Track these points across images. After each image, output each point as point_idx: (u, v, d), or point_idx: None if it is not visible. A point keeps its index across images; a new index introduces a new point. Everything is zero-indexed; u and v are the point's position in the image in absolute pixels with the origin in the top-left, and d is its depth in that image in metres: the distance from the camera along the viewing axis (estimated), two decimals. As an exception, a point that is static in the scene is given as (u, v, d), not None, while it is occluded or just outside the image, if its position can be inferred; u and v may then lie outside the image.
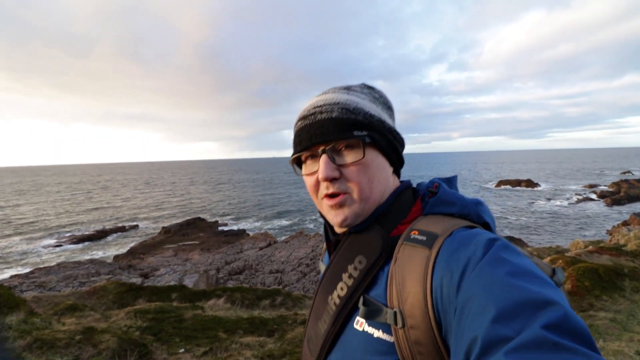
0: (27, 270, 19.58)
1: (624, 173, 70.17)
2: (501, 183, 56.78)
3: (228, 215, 39.16)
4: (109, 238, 31.14)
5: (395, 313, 0.48)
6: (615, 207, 35.77)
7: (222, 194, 62.51)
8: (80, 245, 28.67)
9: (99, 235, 31.23)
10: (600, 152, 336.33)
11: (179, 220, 33.44)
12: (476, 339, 0.35)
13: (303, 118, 0.63)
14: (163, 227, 30.12)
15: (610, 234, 24.56)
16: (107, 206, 48.25)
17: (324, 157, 0.59)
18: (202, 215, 35.32)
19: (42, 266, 20.66)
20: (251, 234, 28.99)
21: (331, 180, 0.59)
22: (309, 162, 0.64)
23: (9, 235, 31.47)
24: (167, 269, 12.27)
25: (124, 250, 25.24)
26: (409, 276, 0.49)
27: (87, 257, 24.51)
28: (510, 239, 23.12)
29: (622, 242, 9.52)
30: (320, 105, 0.61)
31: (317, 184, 0.62)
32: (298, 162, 0.68)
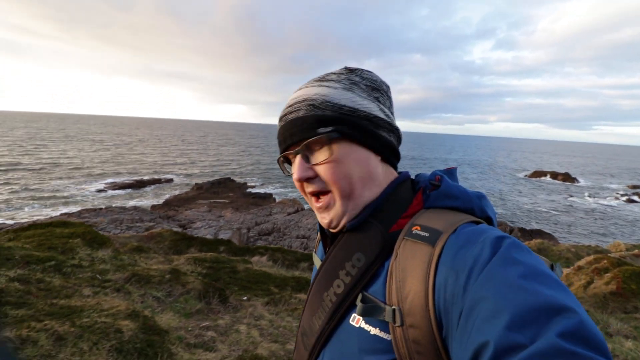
0: (77, 209, 21.64)
1: (679, 176, 64.37)
2: (536, 174, 54.10)
3: (255, 177, 40.42)
4: (147, 188, 33.06)
5: (394, 311, 0.47)
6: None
7: (251, 157, 64.18)
8: (121, 192, 30.75)
9: (138, 185, 33.27)
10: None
11: (211, 179, 35.10)
12: (487, 344, 0.34)
13: (280, 120, 0.62)
14: (196, 184, 31.76)
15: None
16: (145, 159, 51.04)
17: (297, 158, 0.59)
18: (231, 176, 36.66)
19: (90, 207, 22.81)
20: (277, 198, 30.09)
21: (306, 180, 0.58)
22: (293, 161, 0.62)
23: (60, 178, 34.22)
24: (203, 223, 13.16)
25: (159, 201, 26.99)
26: (410, 274, 0.48)
27: (129, 204, 26.63)
28: (539, 232, 22.45)
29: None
30: (291, 105, 0.60)
31: (302, 184, 0.61)
32: (288, 161, 0.65)
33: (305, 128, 0.56)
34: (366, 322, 0.51)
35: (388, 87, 0.66)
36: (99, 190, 30.58)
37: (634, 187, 45.79)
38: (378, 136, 0.59)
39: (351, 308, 0.54)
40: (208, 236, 11.82)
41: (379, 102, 0.62)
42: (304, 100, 0.58)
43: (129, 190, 31.59)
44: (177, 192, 30.44)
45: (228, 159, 57.61)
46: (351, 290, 0.54)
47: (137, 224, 12.27)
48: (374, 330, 0.49)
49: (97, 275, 3.15)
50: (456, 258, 0.44)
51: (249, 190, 32.61)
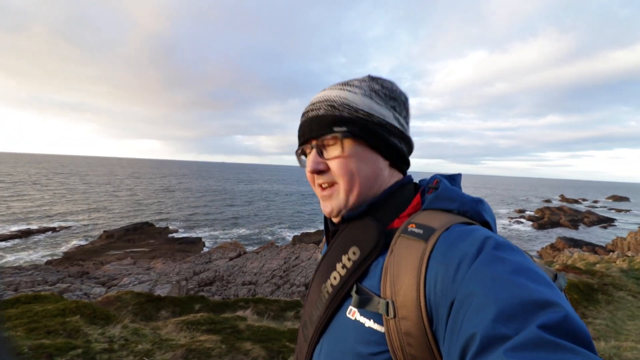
0: None
1: (546, 201, 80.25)
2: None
3: (179, 221, 36.64)
4: (36, 238, 27.21)
5: (387, 303, 0.49)
6: (541, 231, 40.66)
7: (172, 198, 58.45)
8: (3, 244, 24.65)
9: (22, 236, 27.18)
10: (524, 181, 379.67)
11: (122, 224, 30.58)
12: (474, 335, 0.36)
13: (302, 115, 0.69)
14: (105, 231, 27.32)
15: (540, 255, 27.96)
16: (31, 203, 42.08)
17: (312, 152, 0.65)
18: (149, 221, 32.65)
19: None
20: (207, 242, 27.55)
21: (318, 172, 0.64)
22: (308, 155, 0.68)
23: None
24: (131, 279, 11.17)
25: (56, 255, 22.35)
26: (404, 268, 0.50)
27: (7, 259, 21.27)
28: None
29: (569, 262, 10.94)
30: (313, 104, 0.66)
31: (313, 175, 0.66)
32: (304, 153, 0.71)
33: (323, 125, 0.62)
34: (361, 314, 0.53)
35: (407, 98, 0.70)
36: (-33, 247, 23.96)
37: (520, 211, 55.26)
38: (388, 142, 0.64)
39: (346, 299, 0.56)
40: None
41: (395, 111, 0.66)
42: (325, 100, 0.64)
43: (15, 242, 25.52)
44: (80, 243, 25.68)
45: (143, 201, 51.18)
46: (346, 282, 0.57)
47: (39, 287, 9.74)
48: (368, 323, 0.51)
49: (145, 359, 2.59)
50: (446, 254, 0.46)
51: (172, 235, 29.31)
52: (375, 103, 0.64)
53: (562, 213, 50.38)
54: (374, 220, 0.60)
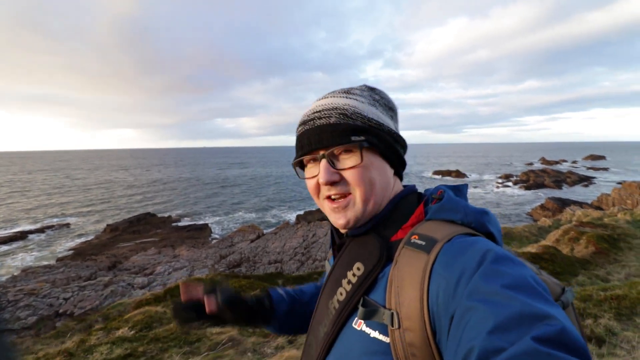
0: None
1: (528, 164, 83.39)
2: (436, 173, 63.13)
3: (177, 209, 36.49)
4: (35, 239, 26.75)
5: (392, 314, 0.50)
6: (528, 192, 42.64)
7: (164, 186, 57.66)
8: (2, 248, 24.19)
9: (22, 236, 26.66)
10: (505, 146, 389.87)
11: (123, 217, 30.37)
12: (472, 349, 0.37)
13: (303, 123, 0.66)
14: (108, 225, 27.15)
15: (531, 215, 29.63)
16: (18, 204, 40.78)
17: (323, 162, 0.62)
18: (150, 211, 32.44)
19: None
20: (215, 228, 27.83)
21: (332, 183, 0.62)
22: (310, 165, 0.67)
23: None
24: (165, 267, 11.53)
25: (61, 252, 22.23)
26: (408, 280, 0.51)
27: (20, 261, 21.08)
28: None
29: (573, 219, 11.94)
30: (319, 111, 0.64)
31: (318, 186, 0.65)
32: (301, 164, 0.70)
33: (338, 135, 0.61)
34: (367, 325, 0.54)
35: (397, 108, 0.74)
36: (-33, 252, 23.42)
37: (506, 176, 57.37)
38: (396, 150, 0.67)
39: (353, 313, 0.58)
40: (183, 279, 10.41)
41: (393, 120, 0.70)
42: (335, 108, 0.63)
43: (13, 245, 24.99)
44: (84, 239, 25.48)
45: (135, 192, 50.43)
46: (352, 297, 0.58)
47: (88, 282, 9.98)
48: (373, 333, 0.53)
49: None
50: (448, 266, 0.48)
51: (177, 223, 29.37)
52: (380, 112, 0.66)
53: (546, 175, 52.60)
54: (377, 236, 0.62)
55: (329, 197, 0.64)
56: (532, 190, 43.75)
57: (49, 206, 39.11)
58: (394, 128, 0.68)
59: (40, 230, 28.28)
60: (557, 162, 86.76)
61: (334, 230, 0.72)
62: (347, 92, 0.67)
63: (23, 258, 21.86)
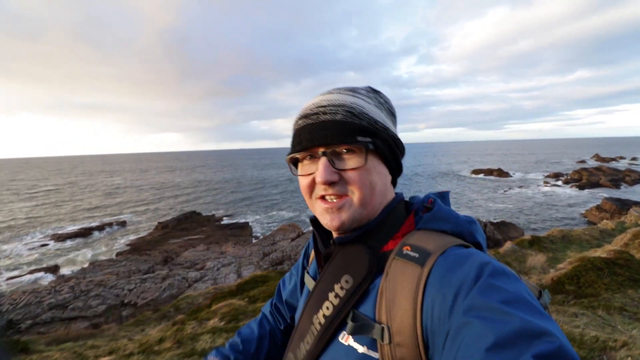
0: (28, 269, 18.46)
1: (580, 162, 77.13)
2: (475, 172, 60.41)
3: (219, 209, 38.43)
4: (98, 235, 29.51)
5: (382, 329, 0.48)
6: (581, 192, 39.55)
7: (206, 187, 60.88)
8: (70, 243, 26.93)
9: (85, 233, 29.47)
10: (553, 143, 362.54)
11: (171, 215, 32.61)
12: None
13: (305, 117, 0.62)
14: (159, 223, 29.31)
15: (586, 216, 27.49)
16: (80, 203, 45.14)
17: (323, 160, 0.59)
18: (195, 210, 34.47)
19: (48, 265, 19.56)
20: (254, 227, 29.01)
21: (330, 184, 0.58)
22: (306, 162, 0.63)
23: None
24: (214, 262, 12.34)
25: (120, 247, 24.32)
26: (400, 293, 0.49)
27: (85, 255, 23.41)
28: (500, 224, 25.03)
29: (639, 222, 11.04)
30: (324, 106, 0.60)
31: (313, 185, 0.61)
32: (295, 160, 0.65)
33: (345, 133, 0.58)
34: (355, 340, 0.52)
35: (396, 114, 0.71)
36: (43, 245, 26.40)
37: (556, 175, 53.59)
38: (397, 156, 0.64)
39: (340, 328, 0.55)
40: (231, 275, 11.12)
41: (394, 125, 0.68)
42: (342, 105, 0.59)
43: (77, 240, 27.72)
44: (138, 235, 27.68)
45: (182, 193, 53.81)
46: (340, 311, 0.56)
47: (148, 276, 11.01)
48: (361, 349, 0.51)
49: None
50: (443, 280, 0.46)
51: (220, 222, 30.96)
52: (385, 116, 0.64)
53: (601, 173, 48.43)
54: (366, 247, 0.59)
55: (322, 197, 0.60)
56: (586, 190, 40.54)
57: (107, 205, 42.94)
58: (395, 133, 0.66)
59: (101, 228, 31.06)
60: (613, 159, 79.31)
61: (319, 237, 0.69)
62: (354, 90, 0.64)
63: (86, 253, 24.27)
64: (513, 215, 30.37)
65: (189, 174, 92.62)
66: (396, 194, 0.68)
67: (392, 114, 0.68)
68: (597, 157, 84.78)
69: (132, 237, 27.58)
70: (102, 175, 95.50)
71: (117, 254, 21.27)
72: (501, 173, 56.64)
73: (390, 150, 0.62)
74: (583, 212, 28.87)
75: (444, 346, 0.42)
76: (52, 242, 26.83)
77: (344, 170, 0.58)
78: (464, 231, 0.57)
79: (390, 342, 0.47)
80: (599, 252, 5.15)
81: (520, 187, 45.33)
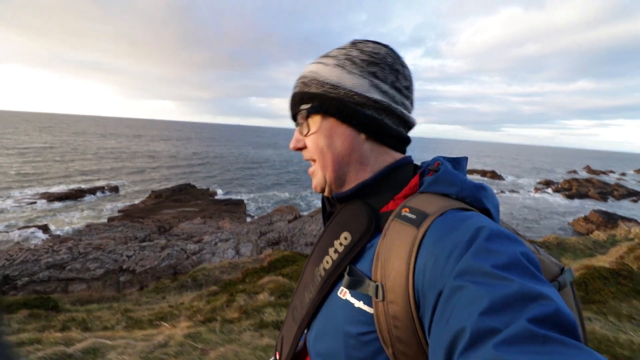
0: (13, 224, 18.27)
1: (571, 172, 78.48)
2: (470, 172, 61.10)
3: (214, 184, 38.25)
4: (88, 198, 29.15)
5: (377, 286, 0.49)
6: (570, 202, 40.46)
7: (203, 160, 60.33)
8: (58, 204, 26.51)
9: (76, 195, 29.05)
10: (546, 150, 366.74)
11: (165, 185, 32.40)
12: (464, 329, 0.35)
13: None
14: (153, 191, 29.09)
15: (572, 226, 28.23)
16: (72, 164, 44.21)
17: (296, 130, 0.67)
18: (190, 182, 34.25)
19: (38, 224, 19.37)
20: (249, 204, 29.07)
21: (298, 150, 0.67)
22: None
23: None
24: (212, 237, 12.39)
25: (112, 212, 24.17)
26: (395, 253, 0.50)
27: (75, 217, 23.21)
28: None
29: (630, 236, 11.38)
30: (296, 79, 0.67)
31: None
32: None
33: (295, 104, 0.65)
34: (352, 295, 0.54)
35: (395, 59, 0.63)
36: (31, 203, 25.94)
37: (547, 182, 54.48)
38: (358, 114, 0.60)
39: (338, 281, 0.57)
40: (229, 251, 11.22)
41: (376, 77, 0.61)
42: (300, 77, 0.65)
43: (67, 202, 27.25)
44: (129, 202, 27.46)
45: (176, 164, 53.14)
46: (339, 265, 0.57)
47: (147, 244, 11.02)
48: (357, 303, 0.52)
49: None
50: (437, 243, 0.46)
51: (214, 197, 30.87)
52: (347, 72, 0.61)
53: (591, 185, 49.44)
54: (365, 204, 0.60)
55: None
56: (575, 200, 41.45)
57: (99, 169, 42.27)
58: (365, 88, 0.60)
59: (92, 191, 30.66)
60: (603, 172, 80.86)
61: (325, 198, 0.72)
62: (324, 56, 0.65)
63: (77, 214, 24.05)
64: (504, 218, 30.82)
65: (184, 145, 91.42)
66: (405, 157, 0.66)
67: (371, 63, 0.61)
68: (588, 169, 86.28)
69: (126, 203, 27.37)
70: (94, 137, 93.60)
71: (109, 219, 21.17)
72: (494, 175, 57.35)
73: (340, 108, 0.60)
74: (571, 221, 29.58)
75: (436, 308, 0.41)
76: (41, 201, 26.39)
77: (305, 137, 0.64)
78: (470, 196, 0.55)
79: (383, 300, 0.48)
80: (606, 263, 5.34)
81: (512, 191, 46.08)
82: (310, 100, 0.62)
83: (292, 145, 0.67)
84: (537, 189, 48.32)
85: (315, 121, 0.62)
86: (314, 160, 0.65)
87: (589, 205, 37.05)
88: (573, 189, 46.75)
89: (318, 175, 0.64)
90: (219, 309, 3.87)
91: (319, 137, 0.62)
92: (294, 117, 0.67)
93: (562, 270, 0.56)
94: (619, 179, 69.12)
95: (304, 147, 0.65)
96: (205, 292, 5.01)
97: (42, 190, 29.66)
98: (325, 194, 0.67)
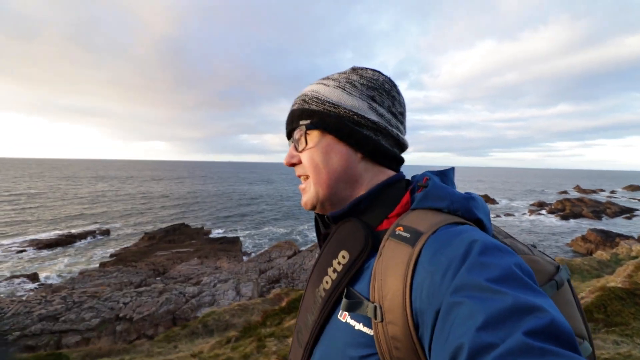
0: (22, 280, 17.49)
1: (562, 193, 79.63)
2: (464, 198, 61.41)
3: (208, 222, 37.67)
4: (78, 244, 28.31)
5: (375, 307, 0.49)
6: (566, 222, 40.68)
7: (195, 198, 59.78)
8: (48, 252, 25.63)
9: (67, 241, 28.22)
10: (535, 172, 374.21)
11: (158, 226, 31.75)
12: (462, 346, 0.35)
13: None
14: (146, 233, 28.43)
15: (571, 246, 28.17)
16: (62, 209, 43.35)
17: (290, 146, 0.68)
18: (183, 222, 33.67)
19: (26, 273, 18.56)
20: (245, 241, 28.47)
21: (291, 165, 0.67)
22: None
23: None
24: (211, 278, 12.00)
25: (104, 257, 23.40)
26: (391, 273, 0.49)
27: (63, 264, 22.37)
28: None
29: (632, 254, 11.40)
30: (294, 100, 0.69)
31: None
32: None
33: (293, 120, 0.67)
34: (351, 318, 0.53)
35: (392, 86, 0.67)
36: (20, 251, 25.07)
37: (540, 204, 55.13)
38: (355, 133, 0.62)
39: (339, 302, 0.56)
40: (230, 292, 10.83)
41: (374, 101, 0.64)
42: (301, 95, 0.67)
43: (57, 249, 26.39)
44: (122, 245, 26.74)
45: (169, 204, 52.52)
46: (338, 285, 0.57)
47: (144, 289, 10.59)
48: (358, 326, 0.52)
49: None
50: (432, 260, 0.46)
51: (209, 235, 30.26)
52: (347, 94, 0.63)
53: (583, 204, 50.04)
54: (361, 222, 0.60)
55: (301, 178, 0.68)
56: (570, 220, 41.73)
57: (90, 213, 41.44)
58: (364, 109, 0.63)
59: (83, 236, 29.87)
60: (593, 191, 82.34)
61: (319, 218, 0.72)
62: (325, 78, 0.67)
63: (68, 261, 23.21)
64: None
65: (177, 185, 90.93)
66: (397, 174, 0.67)
67: (370, 87, 0.64)
68: (579, 189, 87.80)
69: (117, 247, 26.63)
70: (85, 181, 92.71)
71: (100, 265, 20.44)
72: (488, 199, 57.83)
73: (339, 126, 0.62)
74: (569, 241, 29.51)
75: (434, 326, 0.41)
76: (30, 249, 25.58)
77: (300, 152, 0.65)
78: (461, 208, 0.55)
79: (382, 320, 0.48)
80: (611, 282, 5.33)
81: (507, 214, 46.31)
82: (310, 117, 0.63)
83: (286, 160, 0.68)
84: (531, 211, 48.72)
85: (313, 137, 0.63)
86: (306, 177, 0.66)
87: (584, 225, 37.26)
88: (567, 209, 47.24)
89: (310, 191, 0.65)
90: (251, 355, 3.68)
91: (315, 153, 0.63)
92: (290, 134, 0.68)
93: (557, 268, 0.56)
94: (609, 197, 70.38)
95: (299, 163, 0.66)
96: (225, 339, 4.76)
97: (31, 237, 28.78)
98: (316, 211, 0.67)
